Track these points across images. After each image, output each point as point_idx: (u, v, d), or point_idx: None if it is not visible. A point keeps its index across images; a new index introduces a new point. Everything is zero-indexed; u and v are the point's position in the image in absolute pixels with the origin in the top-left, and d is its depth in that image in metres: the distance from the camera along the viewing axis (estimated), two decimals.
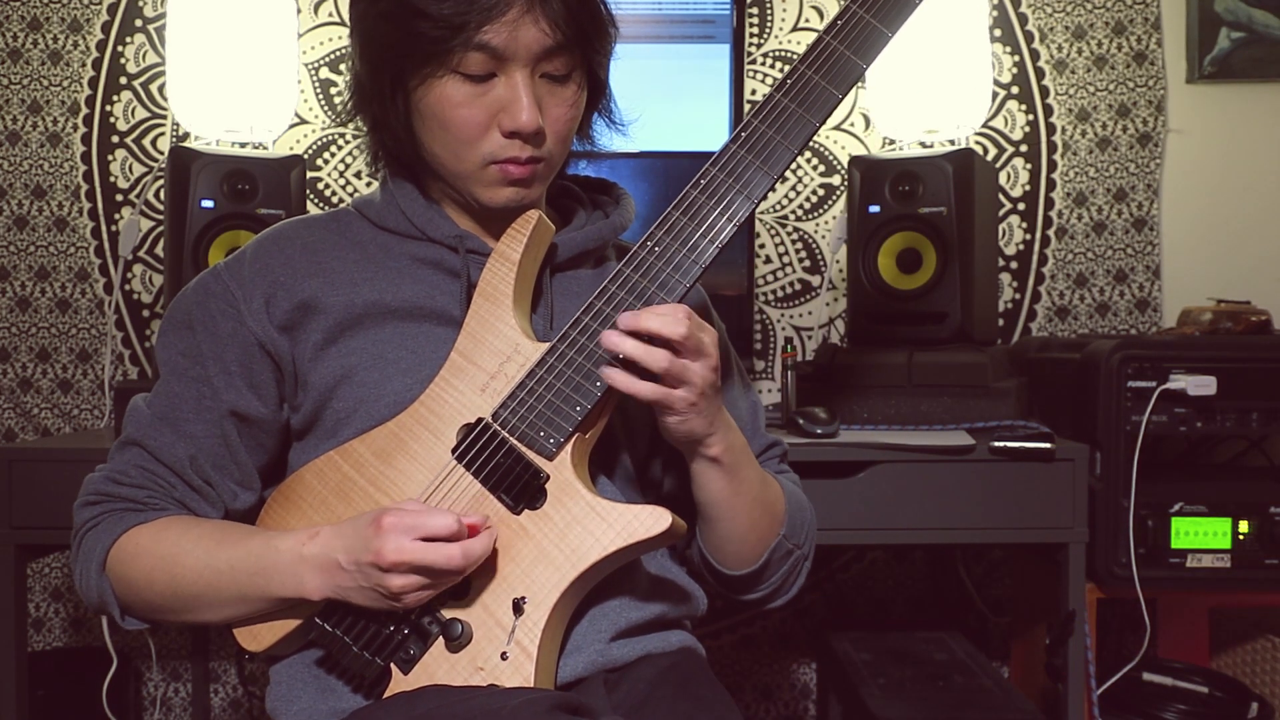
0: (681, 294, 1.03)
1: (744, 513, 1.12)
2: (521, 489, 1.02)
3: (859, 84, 1.24)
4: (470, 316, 1.08)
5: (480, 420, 1.04)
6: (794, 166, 2.18)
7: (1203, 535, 1.69)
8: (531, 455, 1.02)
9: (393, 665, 1.01)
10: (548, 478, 1.02)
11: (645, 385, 0.99)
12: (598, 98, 1.15)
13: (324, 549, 0.98)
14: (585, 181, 1.26)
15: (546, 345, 1.04)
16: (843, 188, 2.22)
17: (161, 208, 2.17)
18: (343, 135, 2.20)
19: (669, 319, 0.98)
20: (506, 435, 1.03)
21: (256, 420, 1.11)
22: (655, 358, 0.98)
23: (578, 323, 1.03)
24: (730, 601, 1.22)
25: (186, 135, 2.14)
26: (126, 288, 2.21)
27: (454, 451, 1.04)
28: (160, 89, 2.19)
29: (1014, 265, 2.24)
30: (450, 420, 1.05)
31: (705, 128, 1.97)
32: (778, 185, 1.35)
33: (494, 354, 1.05)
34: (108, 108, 2.20)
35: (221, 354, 1.09)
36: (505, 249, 1.08)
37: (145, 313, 2.22)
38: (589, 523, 0.99)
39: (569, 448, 1.02)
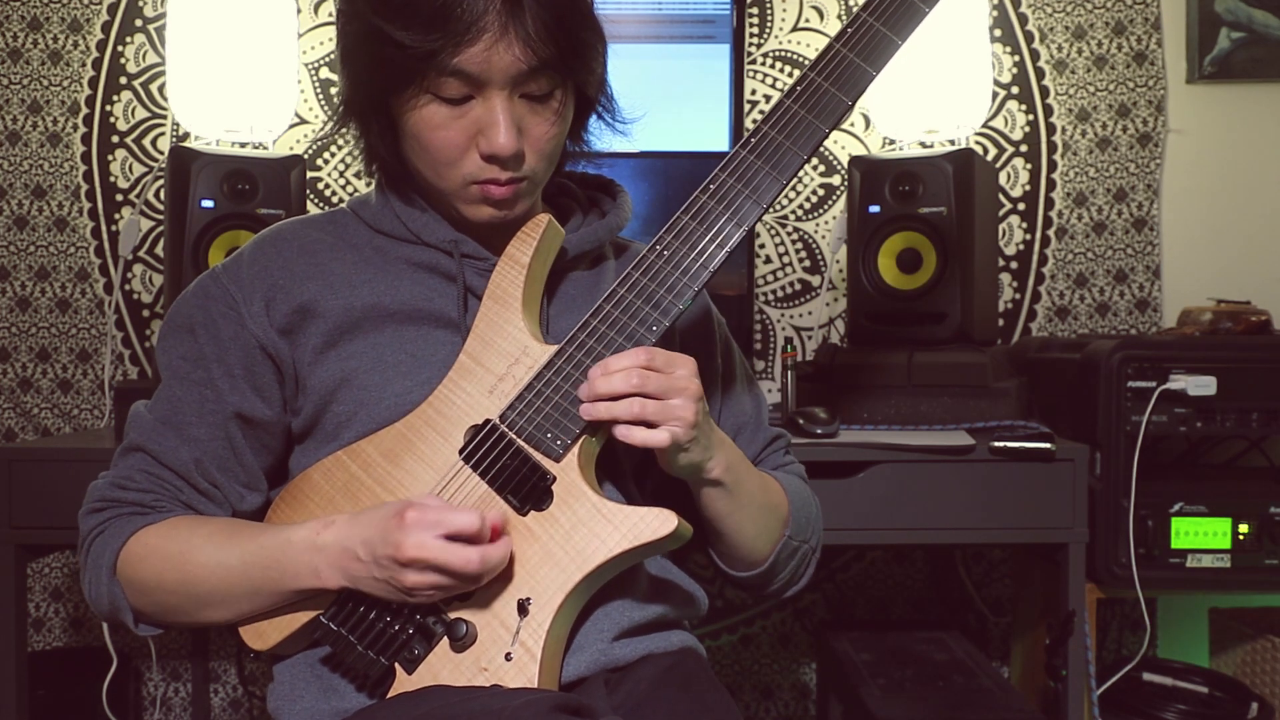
0: (690, 298, 1.03)
1: (749, 523, 1.13)
2: (528, 491, 1.02)
3: None
4: (479, 319, 1.08)
5: (488, 422, 1.04)
6: None
7: (1203, 535, 1.69)
8: (538, 457, 1.02)
9: (397, 665, 1.01)
10: (554, 479, 1.02)
11: (638, 431, 0.99)
12: (589, 105, 1.13)
13: (340, 538, 0.98)
14: (583, 179, 1.25)
15: (554, 348, 1.04)
16: (843, 188, 2.22)
17: (161, 208, 2.17)
18: (343, 135, 2.19)
19: (622, 373, 0.99)
20: (514, 437, 1.03)
21: (261, 422, 1.11)
22: (626, 408, 0.98)
23: (585, 325, 1.04)
24: (732, 600, 1.22)
25: (186, 135, 2.13)
26: (126, 288, 2.20)
27: (461, 453, 1.04)
28: (160, 89, 2.19)
29: (1014, 265, 2.25)
30: (458, 421, 1.05)
31: (705, 128, 1.97)
32: None
33: (502, 356, 1.05)
34: (108, 108, 2.20)
35: (224, 356, 1.09)
36: (515, 252, 1.08)
37: (145, 313, 2.22)
38: (595, 525, 0.99)
39: (575, 450, 1.02)
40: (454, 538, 0.94)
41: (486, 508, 1.02)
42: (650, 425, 1.00)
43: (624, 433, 0.99)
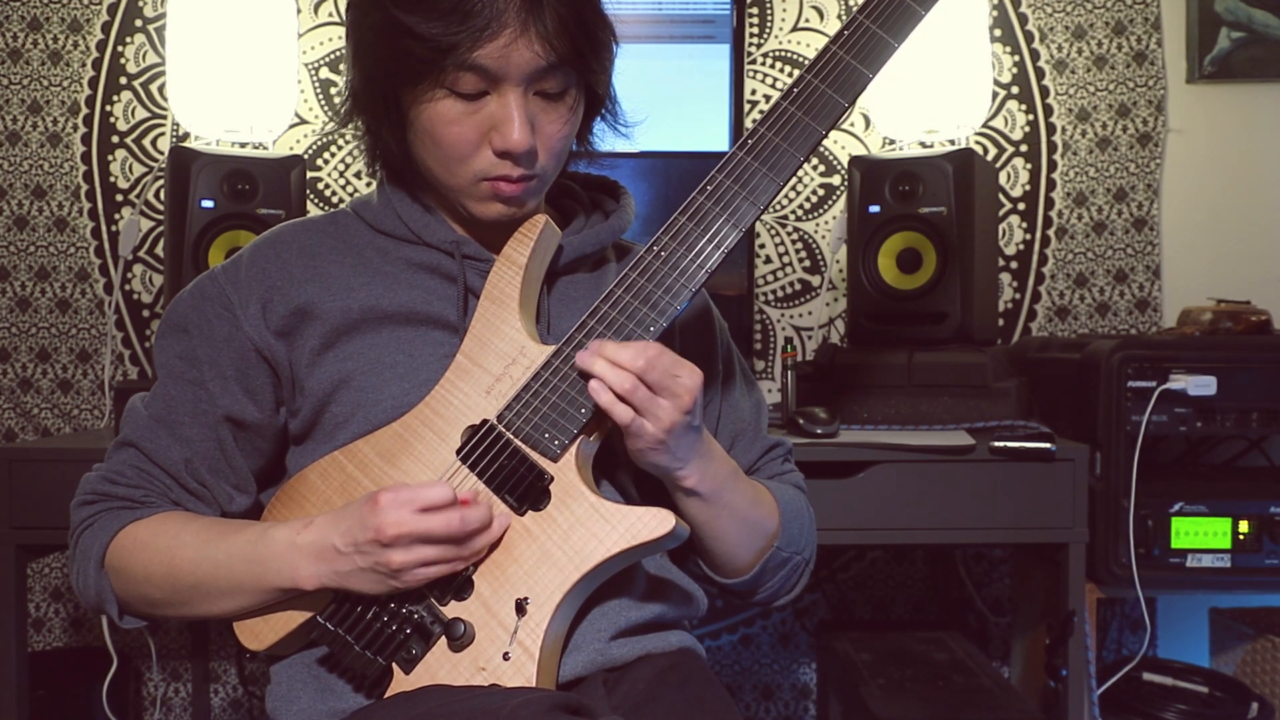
0: (687, 299, 1.03)
1: (731, 533, 1.12)
2: (525, 490, 1.02)
3: None
4: (476, 319, 1.08)
5: (485, 422, 1.04)
6: None
7: (1203, 535, 1.69)
8: (536, 457, 1.02)
9: (394, 665, 1.01)
10: (552, 479, 1.02)
11: (619, 406, 0.99)
12: (597, 106, 1.14)
13: (319, 536, 0.99)
14: (586, 180, 1.25)
15: (552, 348, 1.04)
16: (843, 188, 2.22)
17: (161, 208, 2.17)
18: (343, 135, 2.20)
19: (632, 351, 0.98)
20: (511, 437, 1.03)
21: (252, 425, 1.11)
22: (619, 379, 0.98)
23: (583, 326, 1.04)
24: (732, 602, 1.21)
25: (186, 135, 2.14)
26: (126, 288, 2.21)
27: (458, 453, 1.04)
28: (160, 89, 2.19)
29: (1014, 265, 2.25)
30: (455, 422, 1.05)
31: (705, 128, 1.97)
32: None
33: (499, 356, 1.05)
34: (108, 108, 2.20)
35: (217, 359, 1.09)
36: (512, 253, 1.08)
37: (145, 313, 2.22)
38: (592, 524, 1.00)
39: (573, 450, 1.02)
40: (429, 511, 0.95)
41: None
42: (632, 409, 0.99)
43: (603, 398, 0.99)
